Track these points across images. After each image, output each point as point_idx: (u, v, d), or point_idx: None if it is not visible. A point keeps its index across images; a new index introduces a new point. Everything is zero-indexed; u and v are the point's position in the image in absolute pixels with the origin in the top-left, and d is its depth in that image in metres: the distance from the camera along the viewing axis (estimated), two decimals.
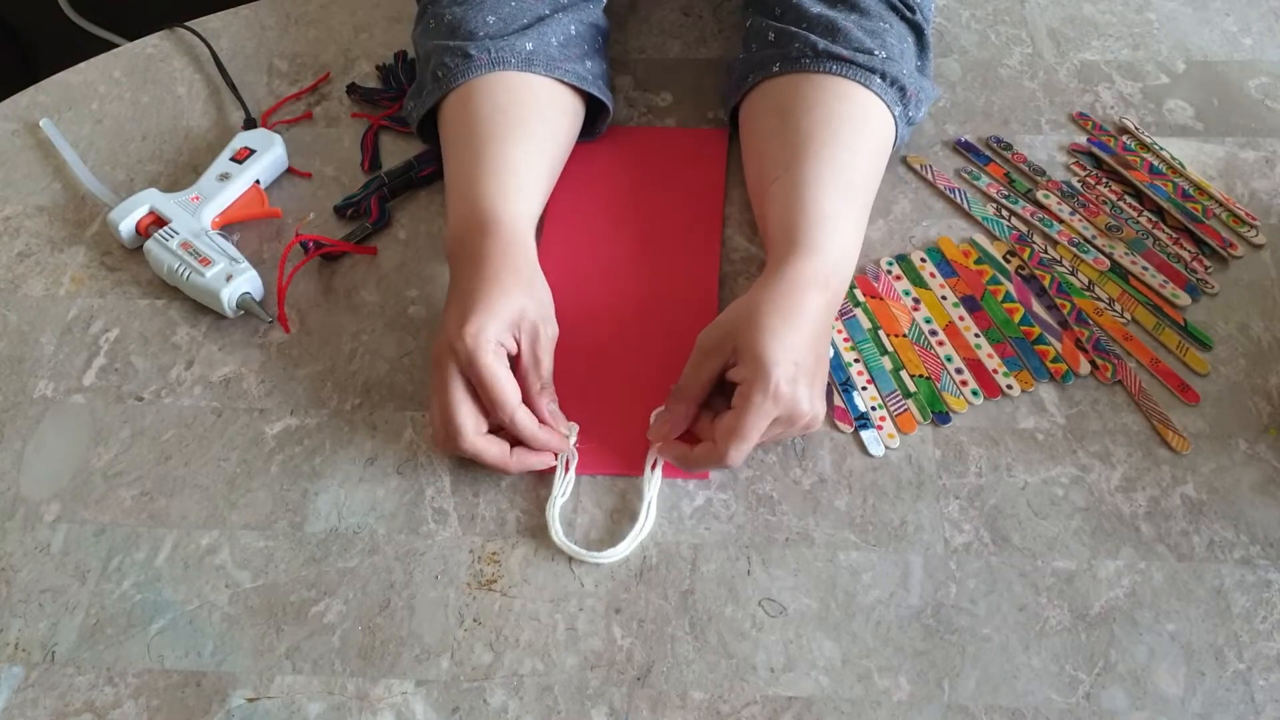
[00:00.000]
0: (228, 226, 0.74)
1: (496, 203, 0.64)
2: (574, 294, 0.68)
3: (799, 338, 0.58)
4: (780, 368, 0.57)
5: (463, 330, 0.58)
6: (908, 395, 0.65)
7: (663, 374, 0.64)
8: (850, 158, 0.66)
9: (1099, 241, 0.71)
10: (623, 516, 0.61)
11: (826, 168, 0.65)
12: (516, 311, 0.60)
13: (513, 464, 0.61)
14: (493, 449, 0.60)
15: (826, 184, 0.65)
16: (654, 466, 0.62)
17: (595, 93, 0.73)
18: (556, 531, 0.60)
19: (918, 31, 0.72)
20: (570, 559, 0.60)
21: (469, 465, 0.63)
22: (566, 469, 0.62)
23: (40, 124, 0.81)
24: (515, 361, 0.61)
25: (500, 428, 0.61)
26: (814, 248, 0.62)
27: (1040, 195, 0.74)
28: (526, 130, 0.68)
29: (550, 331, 0.62)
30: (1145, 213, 0.73)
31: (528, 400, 0.61)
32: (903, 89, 0.69)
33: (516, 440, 0.61)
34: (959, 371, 0.66)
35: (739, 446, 0.58)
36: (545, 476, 0.62)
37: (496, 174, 0.66)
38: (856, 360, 0.66)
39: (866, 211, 0.67)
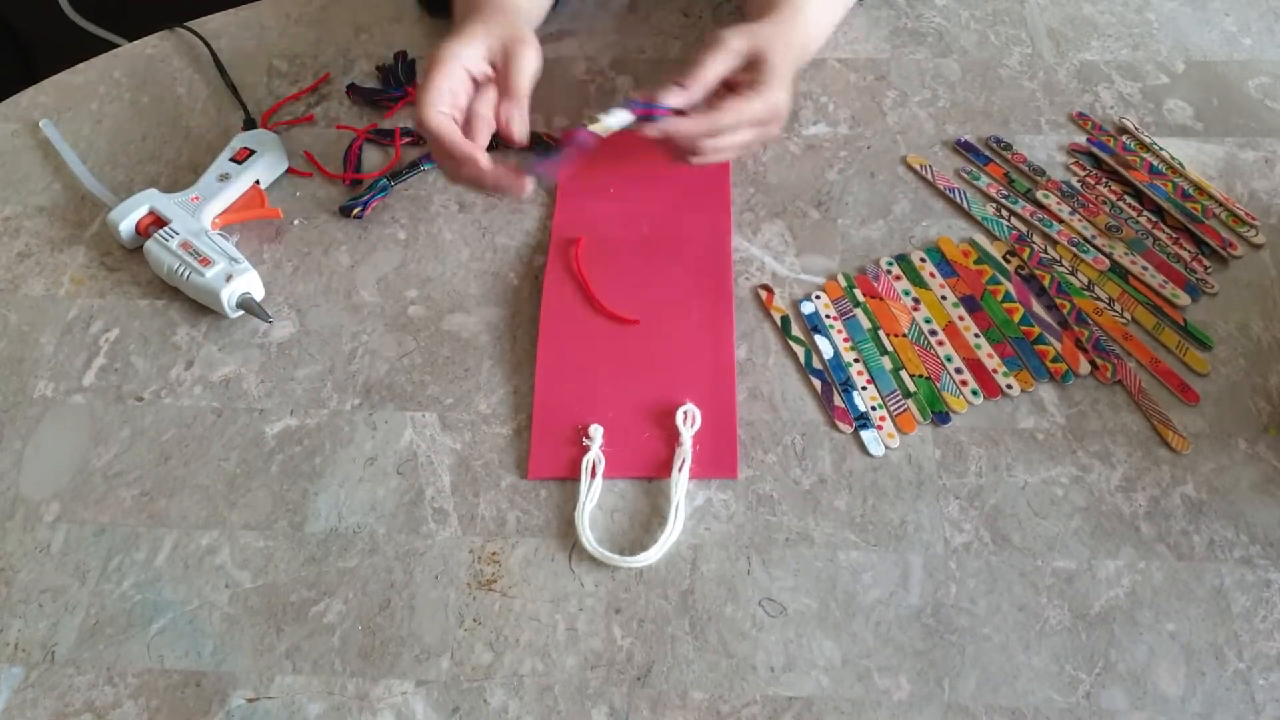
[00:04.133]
0: (228, 227, 0.74)
1: None
2: (593, 298, 0.69)
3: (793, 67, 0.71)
4: (789, 79, 0.69)
5: (417, 93, 0.66)
6: (908, 395, 0.65)
7: (685, 375, 0.65)
8: None
9: (1099, 241, 0.71)
10: (647, 519, 0.61)
11: None
12: (478, 47, 0.66)
13: (479, 161, 0.65)
14: (452, 133, 0.65)
15: None
16: (680, 469, 0.62)
17: None
18: (588, 538, 0.59)
19: None
20: (570, 558, 0.60)
21: (469, 465, 0.63)
22: (593, 474, 0.62)
23: (40, 124, 0.81)
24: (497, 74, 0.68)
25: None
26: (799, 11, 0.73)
27: (1040, 195, 0.74)
28: None
29: (522, 52, 0.67)
30: (1145, 213, 0.73)
31: (497, 108, 0.67)
32: None
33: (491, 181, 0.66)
34: (959, 371, 0.66)
35: (728, 119, 0.66)
36: (560, 478, 0.62)
37: None
38: (856, 360, 0.66)
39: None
